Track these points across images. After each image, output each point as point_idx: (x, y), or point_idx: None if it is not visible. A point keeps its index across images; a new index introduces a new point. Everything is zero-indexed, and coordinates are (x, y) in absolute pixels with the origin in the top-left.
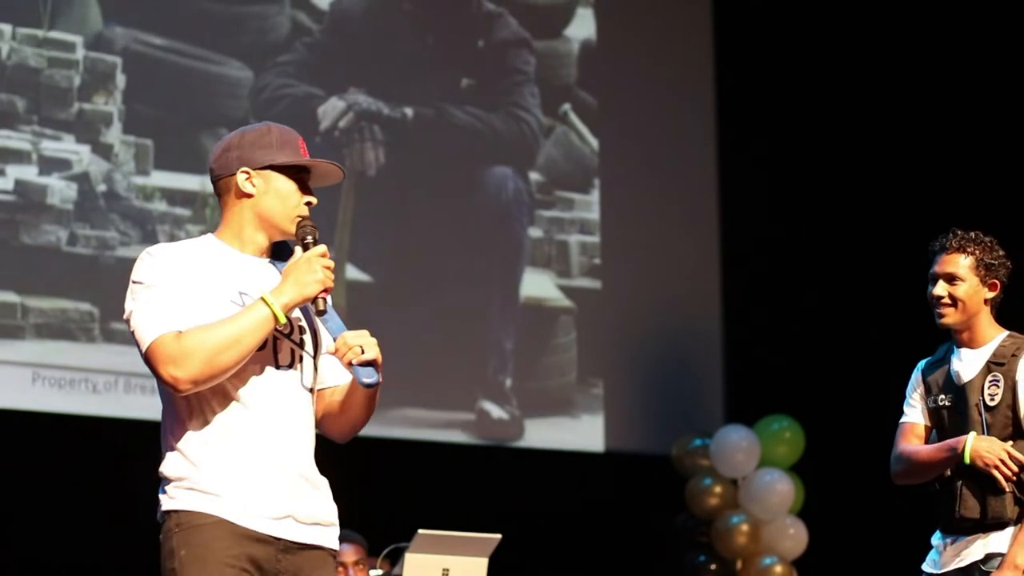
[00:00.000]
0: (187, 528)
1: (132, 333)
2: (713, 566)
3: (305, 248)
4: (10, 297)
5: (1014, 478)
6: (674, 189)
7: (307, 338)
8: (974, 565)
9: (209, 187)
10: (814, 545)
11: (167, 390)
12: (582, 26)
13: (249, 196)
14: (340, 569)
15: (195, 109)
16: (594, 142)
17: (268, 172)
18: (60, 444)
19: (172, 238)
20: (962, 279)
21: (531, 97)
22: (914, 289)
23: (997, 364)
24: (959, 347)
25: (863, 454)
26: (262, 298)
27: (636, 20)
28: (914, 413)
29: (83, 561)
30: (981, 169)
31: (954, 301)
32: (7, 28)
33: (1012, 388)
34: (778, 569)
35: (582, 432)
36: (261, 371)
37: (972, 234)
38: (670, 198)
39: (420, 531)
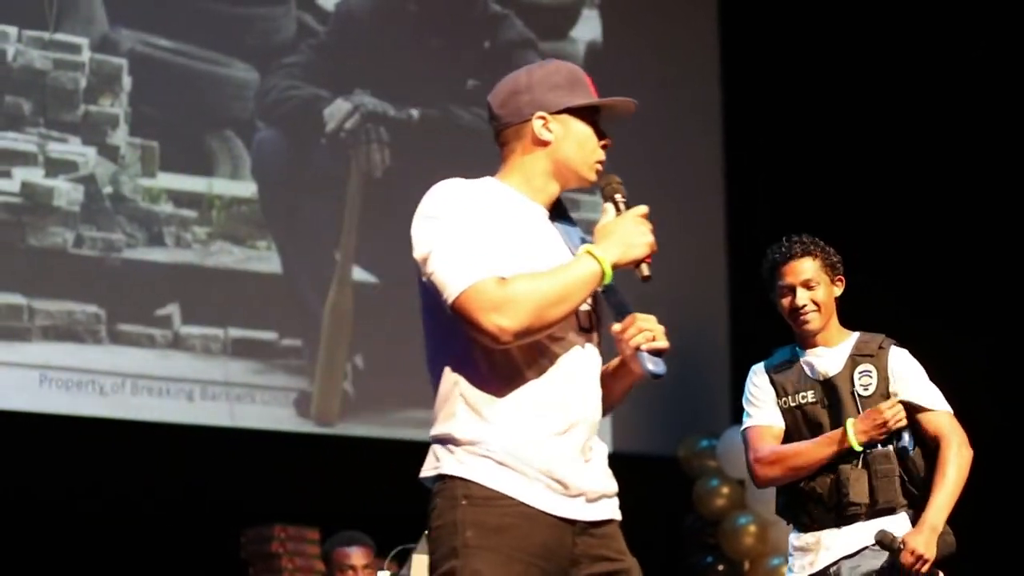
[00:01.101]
0: (479, 504)
1: (429, 275)
2: (721, 567)
3: (616, 205)
4: (17, 299)
5: (904, 421)
6: (680, 190)
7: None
8: (864, 549)
9: (216, 188)
10: None
11: (483, 340)
12: (588, 27)
13: (546, 144)
14: (350, 571)
15: (201, 111)
16: None
17: (564, 116)
18: (67, 446)
19: (179, 240)
20: (817, 282)
21: None
22: (924, 289)
23: (864, 356)
24: (810, 347)
25: None
26: (590, 253)
27: (642, 21)
28: (765, 415)
29: (89, 561)
30: (986, 168)
31: (817, 306)
32: (13, 30)
33: (885, 379)
34: (786, 570)
35: None
36: (566, 333)
37: (806, 238)
38: (676, 199)
39: (427, 533)
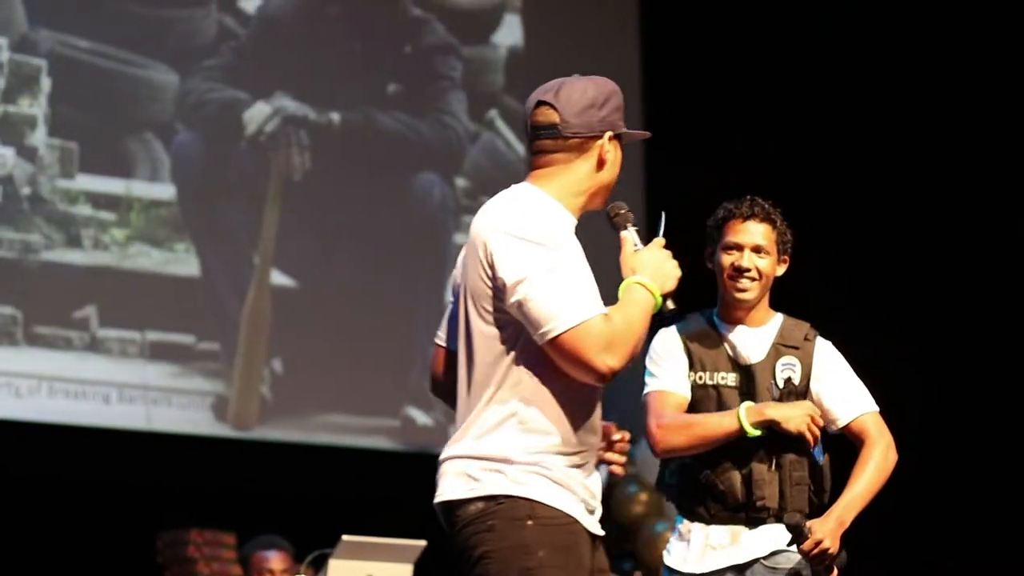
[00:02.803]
0: (548, 525)
1: (523, 302)
2: (638, 573)
3: (634, 236)
4: None
5: (816, 443)
6: None
7: None
8: (756, 561)
9: (135, 191)
10: None
11: (584, 377)
12: (509, 32)
13: (602, 164)
14: (268, 575)
15: (121, 113)
16: (521, 148)
17: (615, 140)
18: None
19: (97, 243)
20: (768, 251)
21: (458, 103)
22: (852, 280)
23: (789, 347)
24: (731, 323)
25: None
26: (644, 285)
27: (563, 26)
28: (672, 381)
29: (2, 563)
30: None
31: (760, 275)
32: None
33: (808, 376)
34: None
35: None
36: None
37: (770, 204)
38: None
39: (344, 537)
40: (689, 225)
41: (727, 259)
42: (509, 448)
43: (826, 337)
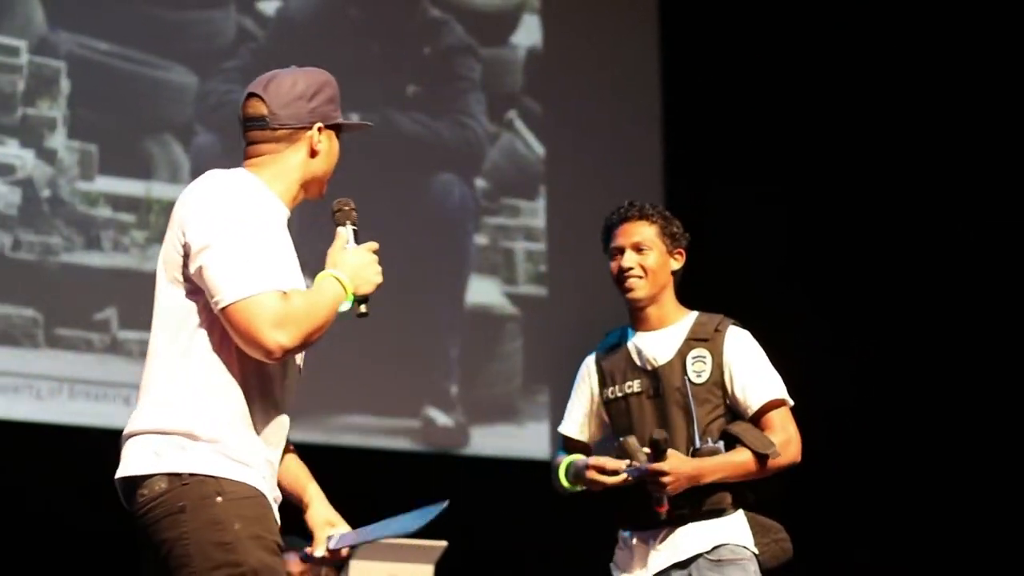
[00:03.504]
0: (235, 499)
1: (202, 268)
2: None
3: (353, 233)
4: None
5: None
6: (620, 196)
7: None
8: (699, 556)
9: (154, 192)
10: None
11: (253, 351)
12: (528, 33)
13: (314, 155)
14: None
15: (140, 115)
16: (540, 149)
17: (328, 131)
18: (3, 450)
19: (116, 244)
20: (649, 247)
21: (477, 104)
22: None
23: (699, 340)
24: (641, 330)
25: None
26: (338, 279)
27: (582, 27)
28: (569, 422)
29: (23, 567)
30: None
31: (645, 272)
32: None
33: (720, 365)
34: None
35: (527, 439)
36: (290, 364)
37: (649, 205)
38: (616, 205)
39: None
40: (709, 222)
41: (613, 265)
42: (190, 422)
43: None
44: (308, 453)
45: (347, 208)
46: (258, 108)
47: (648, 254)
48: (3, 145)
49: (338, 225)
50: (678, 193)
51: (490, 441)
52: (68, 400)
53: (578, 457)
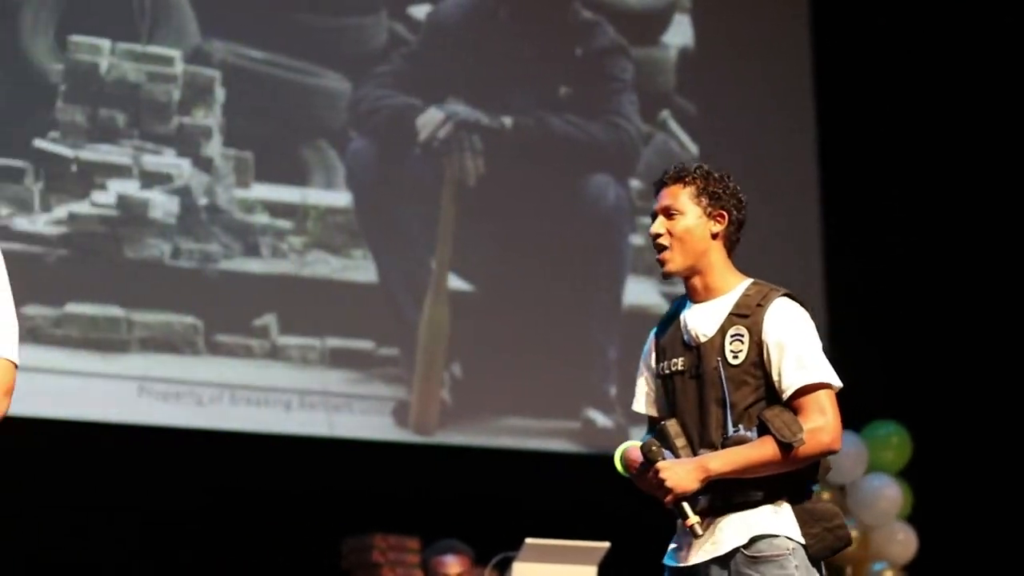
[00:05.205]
0: None
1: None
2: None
3: None
4: (115, 311)
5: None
6: (775, 194)
7: None
8: (735, 551)
9: (311, 198)
10: (924, 550)
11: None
12: (679, 32)
13: None
14: None
15: (294, 121)
16: (694, 148)
17: None
18: (166, 457)
19: (275, 251)
20: (680, 211)
21: (630, 104)
22: None
23: (741, 316)
24: (693, 301)
25: (972, 457)
26: None
27: (733, 25)
28: (636, 400)
29: (190, 572)
30: None
31: (673, 240)
32: (106, 43)
33: (758, 344)
34: (888, 575)
35: None
36: None
37: (694, 163)
38: (771, 202)
39: (528, 540)
40: (867, 220)
41: (650, 232)
42: None
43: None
44: (469, 456)
45: None
46: None
47: (678, 219)
48: (160, 154)
49: None
50: (835, 187)
51: None
52: (229, 406)
53: (633, 444)
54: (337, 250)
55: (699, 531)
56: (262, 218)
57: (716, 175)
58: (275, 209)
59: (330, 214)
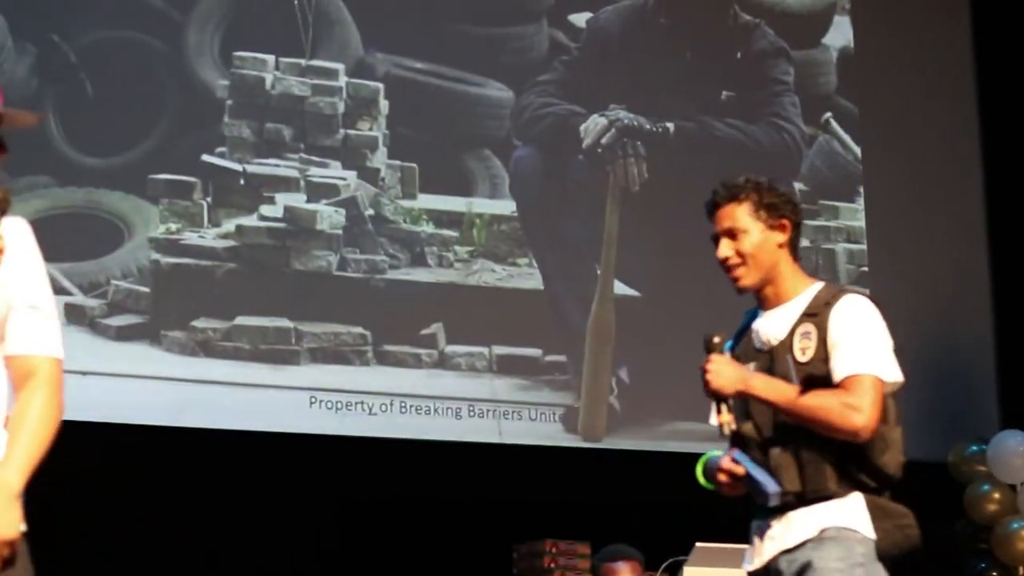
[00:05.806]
0: None
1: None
2: (994, 573)
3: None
4: (284, 323)
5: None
6: (940, 193)
7: None
8: (806, 543)
9: (475, 207)
10: None
11: None
12: (839, 34)
13: None
14: None
15: (457, 131)
16: (857, 150)
17: None
18: (338, 465)
19: (441, 260)
20: (744, 230)
21: (792, 107)
22: None
23: (810, 315)
24: (764, 309)
25: None
26: None
27: (893, 26)
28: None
29: None
30: None
31: (744, 258)
32: (271, 58)
33: (824, 340)
34: None
35: None
36: None
37: (742, 179)
38: (936, 202)
39: (698, 544)
40: None
41: (718, 255)
42: None
43: None
44: (638, 460)
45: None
46: None
47: (743, 238)
48: (327, 167)
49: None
50: (1000, 186)
51: None
52: (399, 415)
53: (716, 454)
54: (502, 258)
55: (726, 431)
56: (428, 228)
57: (766, 185)
58: (440, 219)
59: (495, 222)
